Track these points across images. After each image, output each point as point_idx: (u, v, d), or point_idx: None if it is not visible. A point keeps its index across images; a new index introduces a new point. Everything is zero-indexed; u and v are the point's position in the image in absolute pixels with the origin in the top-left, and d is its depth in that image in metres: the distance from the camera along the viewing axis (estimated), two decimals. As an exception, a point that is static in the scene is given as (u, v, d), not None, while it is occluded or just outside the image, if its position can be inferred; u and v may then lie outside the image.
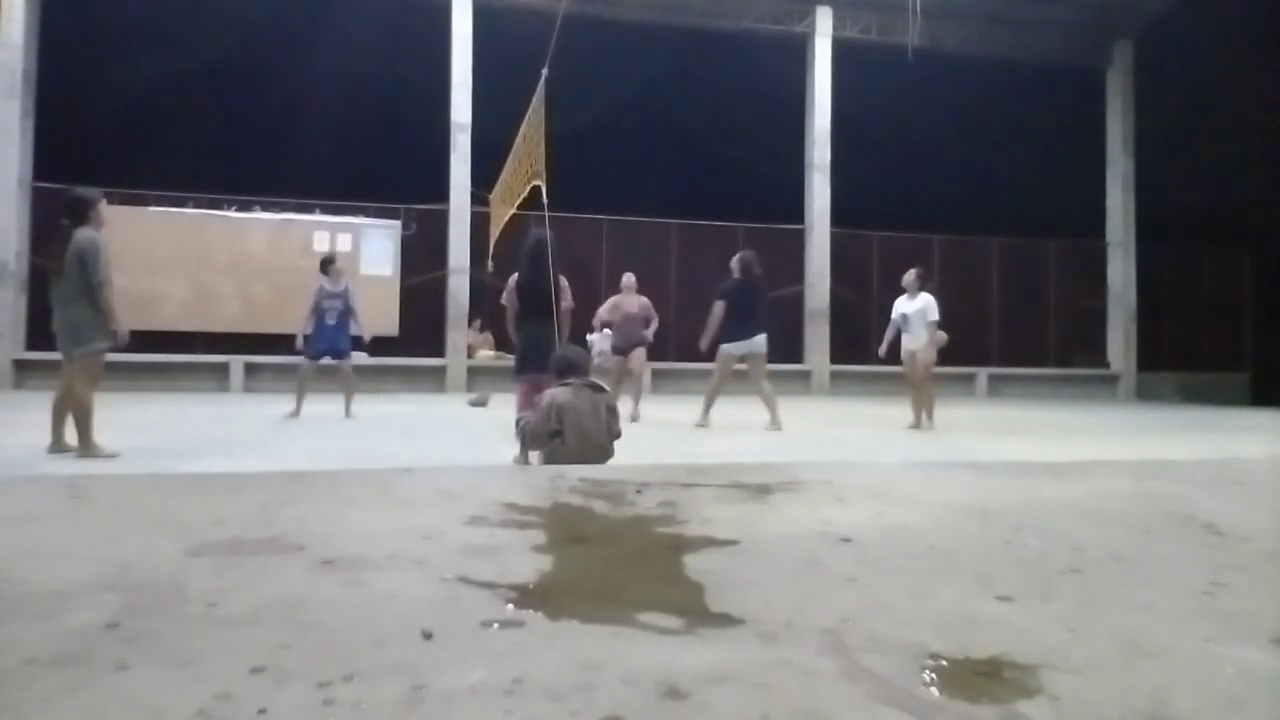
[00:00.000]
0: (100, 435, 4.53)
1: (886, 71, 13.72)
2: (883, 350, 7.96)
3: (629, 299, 8.19)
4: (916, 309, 7.50)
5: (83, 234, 4.59)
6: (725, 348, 7.18)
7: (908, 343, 7.59)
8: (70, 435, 4.55)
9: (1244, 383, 15.86)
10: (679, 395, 12.14)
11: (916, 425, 7.36)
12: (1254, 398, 14.83)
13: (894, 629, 1.26)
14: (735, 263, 7.27)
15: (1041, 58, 14.99)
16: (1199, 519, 2.26)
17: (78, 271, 4.51)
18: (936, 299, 7.52)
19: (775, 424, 6.91)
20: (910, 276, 7.63)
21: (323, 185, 12.80)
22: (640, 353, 8.12)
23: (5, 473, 3.56)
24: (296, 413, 7.41)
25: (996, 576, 1.60)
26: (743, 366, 7.28)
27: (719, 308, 7.13)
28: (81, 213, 4.66)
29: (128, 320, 4.74)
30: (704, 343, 7.26)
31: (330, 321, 7.70)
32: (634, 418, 7.53)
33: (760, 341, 7.10)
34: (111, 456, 4.47)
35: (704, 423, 7.19)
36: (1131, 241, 15.27)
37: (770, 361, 7.48)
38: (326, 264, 7.92)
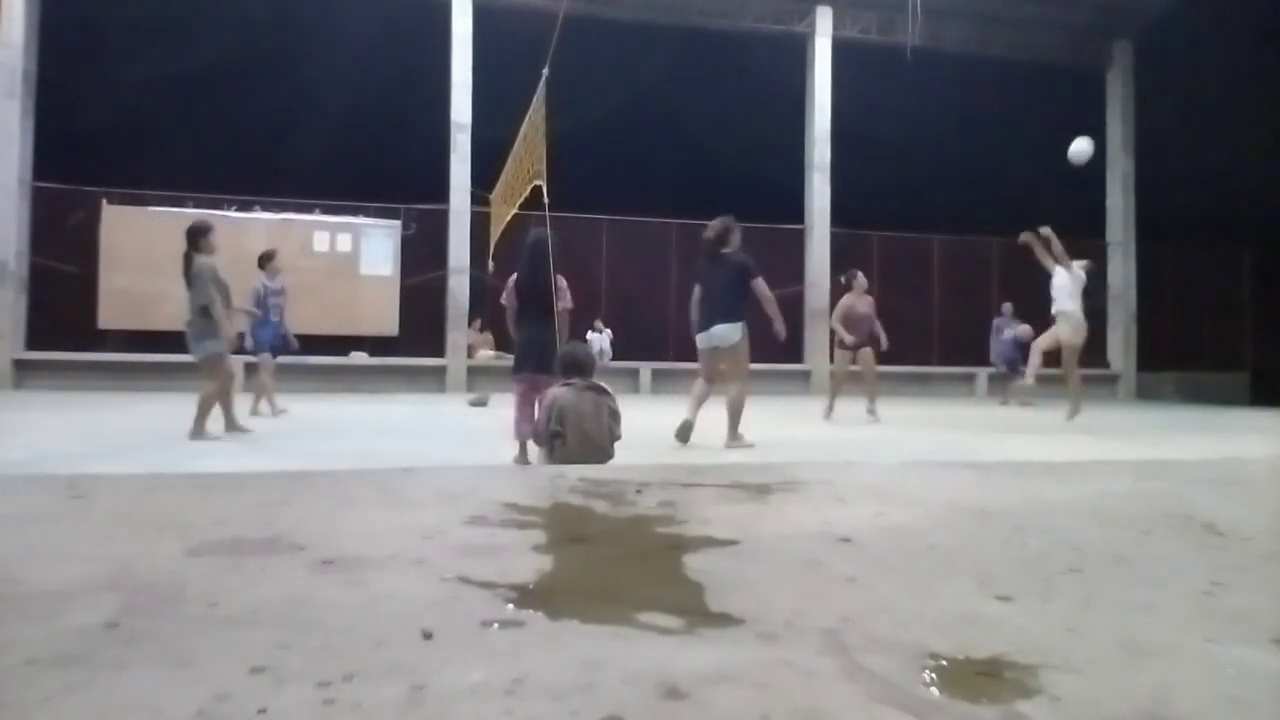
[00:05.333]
0: (98, 434, 4.53)
1: (886, 71, 13.72)
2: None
3: (860, 300, 8.37)
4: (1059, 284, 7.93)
5: None
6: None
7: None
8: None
9: (1244, 383, 15.84)
10: (679, 396, 12.13)
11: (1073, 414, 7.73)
12: (1254, 398, 14.81)
13: (894, 629, 1.26)
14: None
15: (1041, 58, 14.97)
16: (1199, 519, 2.25)
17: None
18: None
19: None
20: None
21: (323, 185, 12.80)
22: (866, 351, 8.32)
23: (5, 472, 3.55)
24: (274, 410, 7.45)
25: (996, 576, 1.59)
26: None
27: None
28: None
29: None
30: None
31: (275, 318, 7.76)
32: (872, 413, 7.87)
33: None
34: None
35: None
36: (1131, 241, 15.26)
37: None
38: (265, 260, 7.88)
